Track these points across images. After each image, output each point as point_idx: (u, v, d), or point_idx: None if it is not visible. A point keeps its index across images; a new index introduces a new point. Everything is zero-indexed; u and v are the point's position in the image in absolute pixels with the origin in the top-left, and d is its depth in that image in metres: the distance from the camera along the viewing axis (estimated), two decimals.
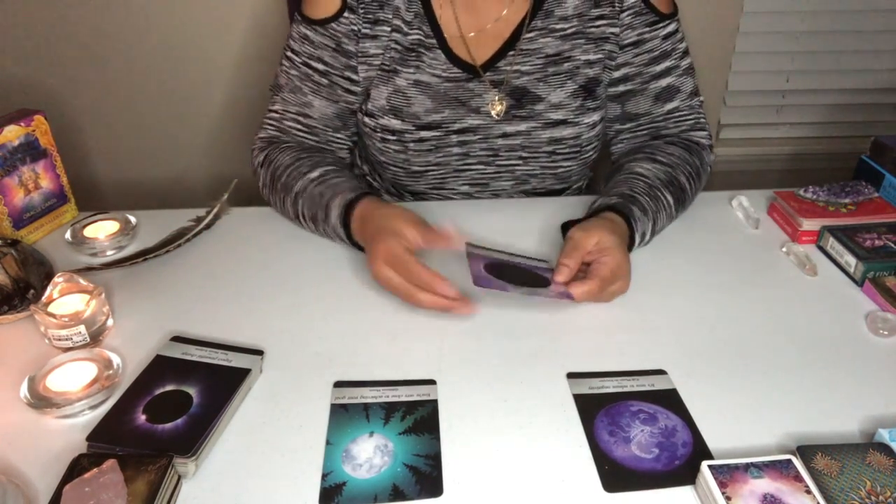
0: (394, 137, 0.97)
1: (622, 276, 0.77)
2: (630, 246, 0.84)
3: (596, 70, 0.96)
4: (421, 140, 0.96)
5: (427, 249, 0.79)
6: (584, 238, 0.78)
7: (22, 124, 0.88)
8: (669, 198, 0.90)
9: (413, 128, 0.95)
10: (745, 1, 1.60)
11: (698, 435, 0.63)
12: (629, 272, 0.79)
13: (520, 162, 0.99)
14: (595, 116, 0.98)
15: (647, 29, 0.94)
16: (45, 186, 0.93)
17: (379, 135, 0.97)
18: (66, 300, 0.73)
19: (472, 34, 0.94)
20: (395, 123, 0.96)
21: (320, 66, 0.94)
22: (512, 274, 0.78)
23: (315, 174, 0.90)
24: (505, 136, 0.97)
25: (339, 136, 1.01)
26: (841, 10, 1.63)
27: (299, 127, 0.98)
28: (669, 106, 0.99)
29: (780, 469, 0.56)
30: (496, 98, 0.95)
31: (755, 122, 1.79)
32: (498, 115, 0.95)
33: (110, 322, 0.75)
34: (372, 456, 0.60)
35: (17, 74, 1.54)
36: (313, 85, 0.96)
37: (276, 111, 0.99)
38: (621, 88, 0.99)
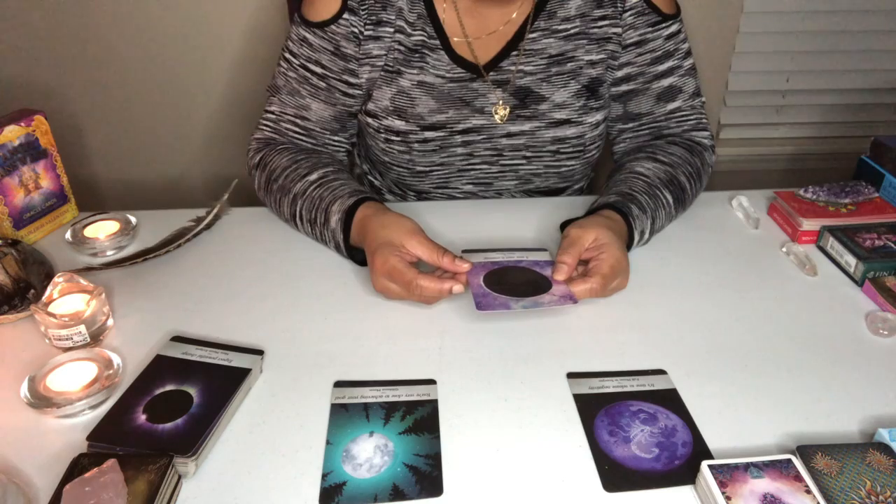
0: (398, 138, 0.96)
1: (621, 272, 0.78)
2: (629, 244, 0.84)
3: (599, 70, 0.96)
4: (425, 140, 0.96)
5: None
6: (581, 235, 0.78)
7: (22, 124, 0.88)
8: (669, 197, 0.90)
9: (417, 128, 0.95)
10: (745, 1, 1.59)
11: (698, 435, 0.63)
12: (628, 268, 0.79)
13: (523, 161, 0.99)
14: (598, 116, 0.98)
15: (650, 29, 0.94)
16: (45, 186, 0.93)
17: (383, 135, 0.97)
18: (66, 300, 0.73)
19: (474, 39, 0.94)
20: (399, 124, 0.96)
21: (318, 70, 0.94)
22: (513, 278, 0.78)
23: (314, 176, 0.89)
24: (509, 135, 0.97)
25: (336, 138, 1.00)
26: (841, 10, 1.63)
27: (296, 129, 0.98)
28: (671, 106, 0.99)
29: (780, 469, 0.56)
30: (500, 102, 0.95)
31: (755, 122, 1.79)
32: (502, 119, 0.95)
33: (110, 322, 0.75)
34: (372, 456, 0.60)
35: (17, 74, 1.54)
36: (311, 88, 0.95)
37: (272, 112, 0.98)
38: (623, 88, 0.99)
